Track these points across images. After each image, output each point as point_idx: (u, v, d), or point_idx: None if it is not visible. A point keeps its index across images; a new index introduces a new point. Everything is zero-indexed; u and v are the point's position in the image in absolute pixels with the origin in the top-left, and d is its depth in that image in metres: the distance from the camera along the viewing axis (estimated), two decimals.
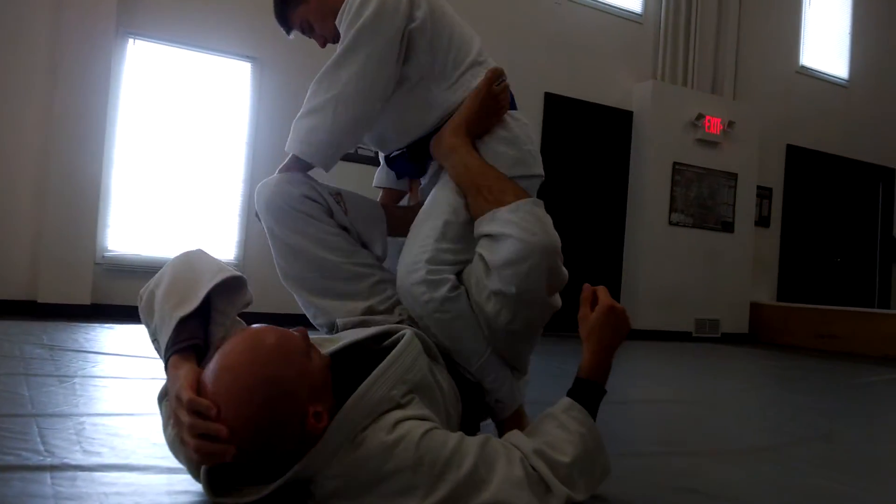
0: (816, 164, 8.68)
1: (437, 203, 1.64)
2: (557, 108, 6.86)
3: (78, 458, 1.47)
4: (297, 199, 1.61)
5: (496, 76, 1.69)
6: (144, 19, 5.12)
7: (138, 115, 5.15)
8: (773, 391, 3.96)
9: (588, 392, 1.35)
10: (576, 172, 6.98)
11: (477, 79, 1.73)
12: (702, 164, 7.33)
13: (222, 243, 5.39)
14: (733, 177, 7.54)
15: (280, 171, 1.68)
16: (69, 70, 4.78)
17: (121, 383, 2.49)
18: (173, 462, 1.31)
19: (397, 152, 1.83)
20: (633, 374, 4.39)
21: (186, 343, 1.18)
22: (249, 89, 5.50)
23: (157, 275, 1.35)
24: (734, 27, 7.75)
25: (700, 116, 7.22)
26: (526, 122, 1.77)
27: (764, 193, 8.12)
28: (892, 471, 2.14)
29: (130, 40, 5.11)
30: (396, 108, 1.74)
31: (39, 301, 4.69)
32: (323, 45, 1.90)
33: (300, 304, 1.71)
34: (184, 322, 1.20)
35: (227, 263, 4.64)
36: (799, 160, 8.50)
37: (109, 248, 5.03)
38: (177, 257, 1.36)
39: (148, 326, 1.33)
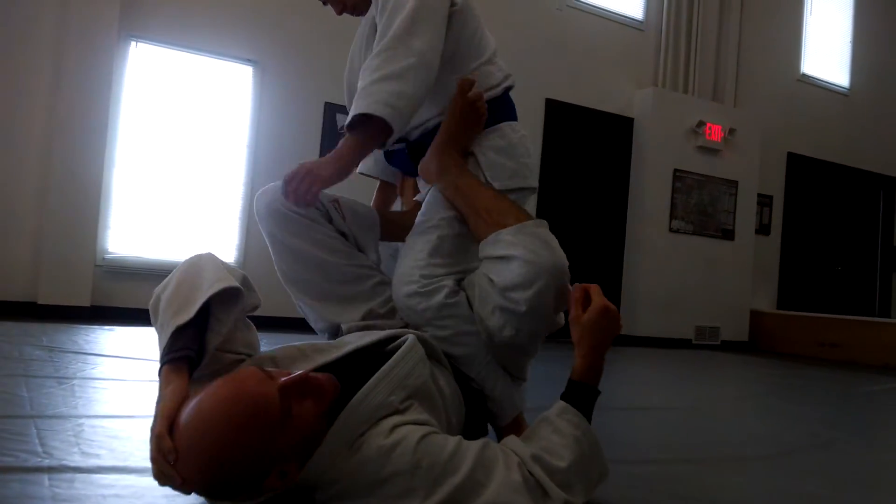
0: (817, 172, 8.68)
1: (431, 215, 1.64)
2: (558, 115, 6.87)
3: (76, 459, 1.47)
4: (297, 204, 1.61)
5: (468, 85, 1.67)
6: (147, 22, 5.13)
7: (140, 117, 5.16)
8: (773, 399, 3.95)
9: (582, 394, 1.34)
10: (576, 179, 6.99)
11: (489, 76, 1.73)
12: (702, 171, 7.33)
13: (223, 246, 5.39)
14: (734, 184, 7.54)
15: (352, 142, 1.56)
16: (72, 72, 4.79)
17: (120, 385, 2.49)
18: None
19: (397, 147, 1.83)
20: (632, 380, 4.39)
21: (179, 354, 1.18)
22: (251, 92, 5.51)
23: (168, 277, 1.35)
24: (735, 34, 7.76)
25: (701, 123, 7.23)
26: (524, 134, 1.77)
27: (764, 201, 8.12)
28: (892, 480, 2.13)
29: (133, 43, 5.12)
30: None
31: (40, 302, 4.69)
32: (340, 12, 1.81)
33: (301, 309, 1.72)
34: (180, 331, 1.20)
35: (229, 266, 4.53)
36: (800, 168, 8.51)
37: (110, 250, 5.03)
38: (186, 261, 1.36)
39: (154, 325, 1.34)
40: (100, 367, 2.80)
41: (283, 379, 1.08)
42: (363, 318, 1.61)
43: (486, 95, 1.70)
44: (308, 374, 1.12)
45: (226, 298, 1.27)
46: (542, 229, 1.50)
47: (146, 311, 1.38)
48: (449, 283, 1.55)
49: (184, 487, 1.07)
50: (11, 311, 4.65)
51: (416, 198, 1.88)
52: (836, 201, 8.94)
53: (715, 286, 7.38)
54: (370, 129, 1.53)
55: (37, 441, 1.57)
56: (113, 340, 3.71)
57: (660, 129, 7.12)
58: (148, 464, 1.43)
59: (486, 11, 1.85)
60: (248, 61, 5.49)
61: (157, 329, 1.29)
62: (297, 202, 1.54)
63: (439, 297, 1.52)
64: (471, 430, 1.54)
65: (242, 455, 1.03)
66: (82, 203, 4.81)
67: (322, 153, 5.64)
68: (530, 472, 1.18)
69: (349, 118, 1.53)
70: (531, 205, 6.44)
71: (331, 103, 5.67)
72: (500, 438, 1.59)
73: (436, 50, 1.57)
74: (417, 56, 1.51)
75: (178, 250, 5.20)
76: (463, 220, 1.60)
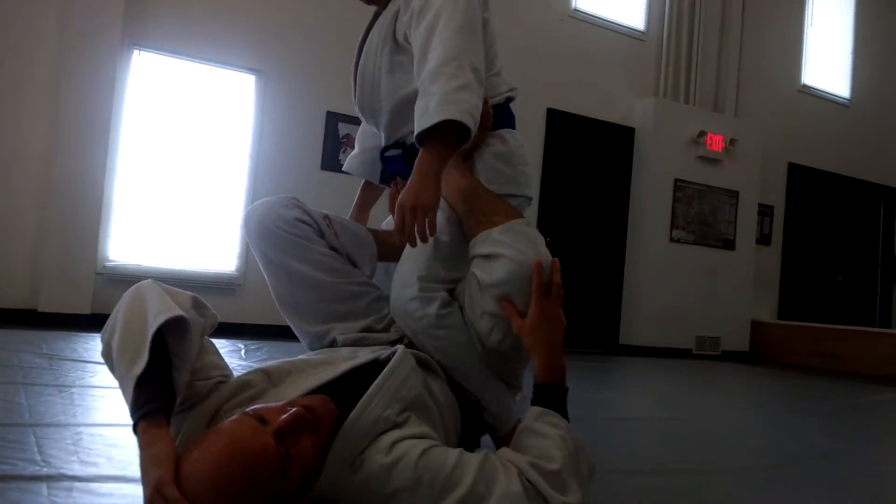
0: (818, 183, 8.69)
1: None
2: (560, 124, 6.88)
3: (75, 468, 1.47)
4: (290, 223, 1.59)
5: None
6: (150, 31, 5.15)
7: (142, 125, 5.18)
8: (774, 410, 3.94)
9: (551, 395, 1.35)
10: (577, 188, 6.99)
11: (495, 87, 1.73)
12: (703, 181, 7.34)
13: (223, 255, 5.39)
14: (735, 194, 7.55)
15: (433, 153, 1.44)
16: (74, 80, 4.81)
17: (119, 394, 2.47)
18: None
19: (395, 152, 1.82)
20: (633, 390, 4.38)
21: (150, 408, 1.09)
22: (253, 101, 5.53)
23: (110, 318, 1.27)
24: (736, 45, 7.79)
25: (702, 134, 7.24)
26: (523, 144, 1.76)
27: (765, 211, 8.12)
28: (893, 491, 2.12)
29: (136, 51, 5.14)
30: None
31: (39, 310, 4.69)
32: None
33: (296, 332, 1.70)
34: (142, 380, 1.11)
35: (226, 276, 4.57)
36: (800, 178, 8.52)
37: (111, 257, 5.03)
38: (126, 297, 1.28)
39: (113, 375, 1.24)
40: (99, 376, 2.80)
41: (277, 423, 1.03)
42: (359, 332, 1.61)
43: (491, 102, 1.70)
44: (302, 411, 1.07)
45: (176, 329, 1.18)
46: (530, 228, 1.51)
47: None
48: (443, 294, 1.55)
49: None
50: (11, 318, 4.65)
51: None
52: (837, 212, 8.95)
53: (716, 296, 7.37)
54: (451, 136, 1.42)
55: (35, 449, 1.57)
56: None
57: (661, 139, 7.13)
58: None
59: None
60: (250, 70, 5.51)
61: (117, 380, 1.20)
62: (421, 240, 1.44)
63: (434, 307, 1.52)
64: (468, 440, 1.53)
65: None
66: (83, 211, 4.82)
67: (323, 162, 5.66)
68: (529, 481, 1.18)
69: (435, 121, 1.39)
70: (530, 213, 6.48)
71: (332, 112, 5.68)
72: (498, 448, 1.58)
73: (484, 66, 1.54)
74: (475, 73, 1.47)
75: (178, 258, 5.20)
76: (460, 225, 1.60)
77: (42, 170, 4.80)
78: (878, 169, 9.18)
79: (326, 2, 5.64)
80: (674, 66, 7.41)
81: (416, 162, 1.44)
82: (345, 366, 1.33)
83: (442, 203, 1.62)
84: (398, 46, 1.66)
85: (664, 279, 7.07)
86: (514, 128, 1.76)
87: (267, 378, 1.28)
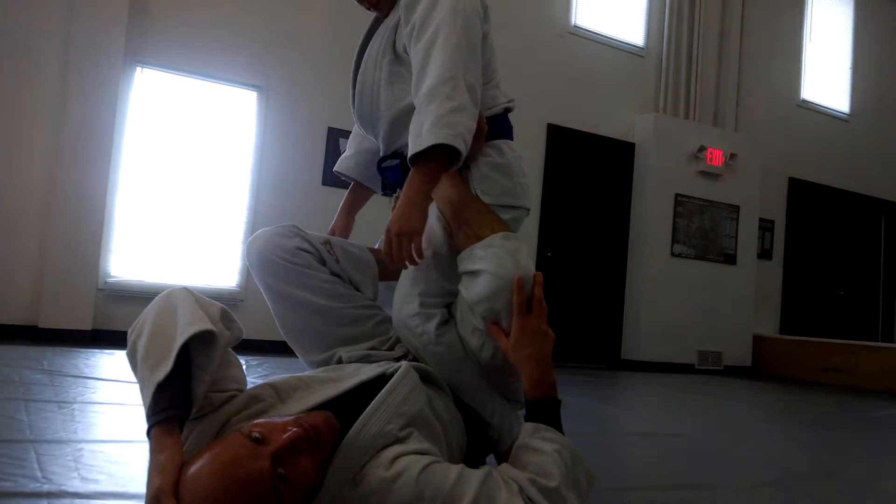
0: (818, 197, 8.71)
1: (427, 236, 1.63)
2: (560, 140, 6.90)
3: (76, 485, 1.46)
4: (291, 252, 1.60)
5: None
6: (152, 48, 5.18)
7: (144, 141, 5.20)
8: (777, 425, 3.93)
9: (543, 409, 1.34)
10: (578, 203, 7.01)
11: (493, 99, 1.73)
12: (704, 195, 7.35)
13: (224, 271, 5.40)
14: (735, 209, 7.56)
15: (420, 178, 1.48)
16: (77, 97, 4.83)
17: (120, 410, 2.48)
18: None
19: (392, 163, 1.82)
20: (635, 406, 4.37)
21: (167, 414, 1.12)
22: (255, 117, 5.55)
23: (140, 318, 1.28)
24: (735, 60, 7.83)
25: (702, 148, 7.26)
26: (520, 155, 1.75)
27: (766, 226, 8.13)
28: None
29: (138, 68, 5.17)
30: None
31: (41, 326, 4.69)
32: (360, 1, 1.74)
33: (303, 361, 1.70)
34: (163, 386, 1.13)
35: (227, 292, 4.57)
36: (801, 193, 8.53)
37: (112, 273, 5.04)
38: (157, 301, 1.29)
39: (135, 375, 1.26)
40: (100, 392, 2.79)
41: (275, 445, 1.03)
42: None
43: (487, 113, 1.69)
44: (302, 432, 1.07)
45: (203, 340, 1.20)
46: (510, 241, 1.49)
47: None
48: (441, 311, 1.55)
49: None
50: (12, 334, 4.64)
51: None
52: (838, 226, 8.96)
53: (717, 311, 7.37)
54: (440, 160, 1.46)
55: (36, 466, 1.57)
56: (114, 364, 3.70)
57: (661, 154, 7.15)
58: None
59: None
60: (252, 87, 5.54)
61: (137, 381, 1.22)
62: (410, 264, 1.50)
63: (433, 323, 1.53)
64: (473, 457, 1.53)
65: None
66: (85, 227, 4.83)
67: (325, 177, 5.67)
68: (530, 498, 1.17)
69: (428, 144, 1.42)
70: (530, 228, 6.49)
71: (333, 128, 5.71)
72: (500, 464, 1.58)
73: (480, 84, 1.56)
74: (470, 92, 1.49)
75: (180, 274, 5.20)
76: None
77: (45, 186, 4.82)
78: (878, 183, 9.20)
79: (327, 18, 5.67)
80: (673, 81, 7.45)
81: (406, 185, 1.49)
82: (351, 381, 1.33)
83: (440, 215, 1.63)
84: (398, 57, 1.66)
85: (665, 294, 7.07)
86: (511, 139, 1.75)
87: (275, 393, 1.28)
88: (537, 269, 1.47)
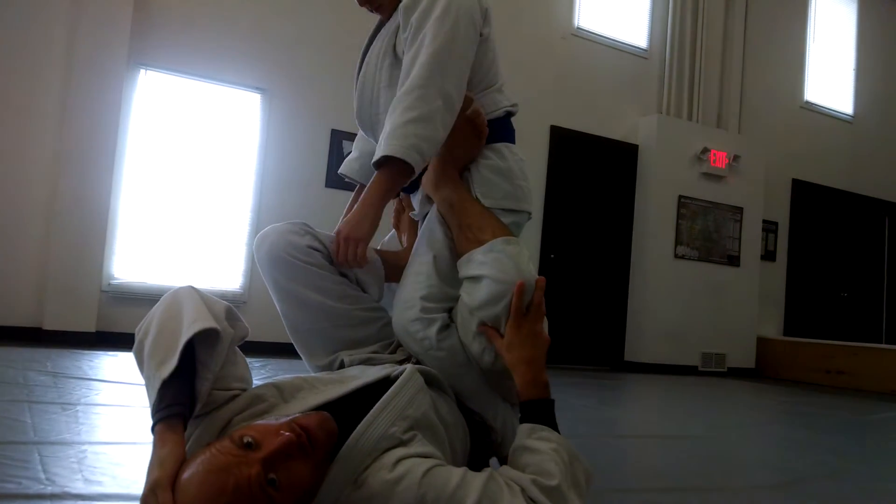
0: (822, 199, 8.69)
1: (428, 239, 1.63)
2: (563, 142, 6.90)
3: (79, 486, 1.46)
4: (302, 251, 1.59)
5: (466, 103, 1.63)
6: (156, 50, 5.20)
7: (147, 143, 5.21)
8: (780, 427, 3.92)
9: (537, 410, 1.35)
10: (581, 205, 7.00)
11: (495, 103, 1.73)
12: (707, 197, 7.34)
13: (228, 272, 5.41)
14: (739, 210, 7.55)
15: (377, 187, 1.54)
16: (81, 99, 4.85)
17: (124, 412, 2.48)
18: None
19: None
20: (638, 408, 4.36)
21: (171, 412, 1.13)
22: (258, 119, 5.56)
23: (147, 316, 1.30)
24: (739, 62, 7.82)
25: (705, 150, 7.25)
26: (522, 158, 1.74)
27: (770, 227, 8.12)
28: None
29: (142, 70, 5.18)
30: None
31: (45, 328, 4.70)
32: (362, 3, 1.73)
33: (307, 364, 1.70)
34: (168, 382, 1.15)
35: (231, 294, 4.58)
36: (804, 194, 8.52)
37: (116, 275, 5.05)
38: (164, 299, 1.30)
39: (141, 373, 1.28)
40: (104, 394, 2.80)
41: (265, 452, 1.03)
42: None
43: (488, 116, 1.68)
44: (293, 437, 1.06)
45: (207, 338, 1.21)
46: (511, 246, 1.49)
47: None
48: (442, 316, 1.54)
49: None
50: (17, 336, 4.65)
51: (411, 214, 1.86)
52: (842, 228, 8.94)
53: (721, 313, 7.36)
54: (395, 170, 1.51)
55: (40, 468, 1.57)
56: (117, 366, 3.71)
57: (664, 155, 7.15)
58: None
59: None
60: (255, 89, 5.55)
61: (143, 378, 1.24)
62: (353, 268, 1.59)
63: (434, 329, 1.52)
64: (476, 461, 1.53)
65: None
66: (89, 229, 4.84)
67: (328, 179, 5.68)
68: (532, 499, 1.17)
69: (379, 155, 1.49)
70: (533, 230, 6.49)
71: (337, 130, 5.72)
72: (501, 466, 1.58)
73: (461, 91, 1.56)
74: (444, 99, 1.49)
75: (183, 276, 5.21)
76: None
77: (48, 188, 4.83)
78: (882, 185, 9.18)
79: (331, 20, 5.68)
80: (676, 83, 7.44)
81: (364, 192, 1.55)
82: (355, 383, 1.33)
83: (441, 218, 1.63)
84: (398, 60, 1.66)
85: (669, 296, 7.06)
86: (513, 142, 1.75)
87: (278, 393, 1.28)
88: (540, 270, 1.48)
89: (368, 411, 1.20)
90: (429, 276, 1.56)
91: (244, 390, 1.28)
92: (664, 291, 7.05)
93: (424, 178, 1.70)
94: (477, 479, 1.16)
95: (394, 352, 1.64)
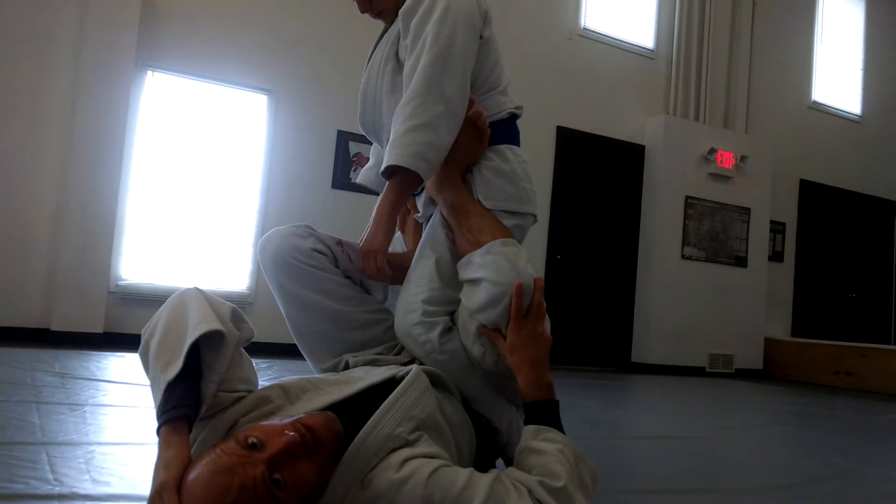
0: (830, 199, 8.66)
1: (431, 242, 1.63)
2: (570, 142, 6.90)
3: (87, 487, 1.47)
4: (306, 254, 1.60)
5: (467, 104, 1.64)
6: (163, 52, 5.21)
7: (155, 145, 5.22)
8: (788, 428, 3.90)
9: (542, 411, 1.35)
10: (588, 206, 6.99)
11: (499, 105, 1.73)
12: (714, 198, 7.32)
13: (235, 273, 5.42)
14: (746, 211, 7.53)
15: (387, 198, 1.57)
16: (89, 100, 4.87)
17: (131, 412, 2.49)
18: None
19: None
20: (646, 409, 4.35)
21: (176, 413, 1.13)
22: (265, 121, 5.57)
23: (153, 318, 1.30)
24: (746, 62, 7.80)
25: (712, 151, 7.23)
26: (526, 160, 1.73)
27: (777, 228, 8.09)
28: None
29: (149, 72, 5.20)
30: None
31: (53, 329, 4.72)
32: (363, 10, 1.75)
33: (311, 366, 1.71)
34: (173, 385, 1.15)
35: (237, 295, 4.59)
36: (812, 195, 8.49)
37: (123, 276, 5.06)
38: (171, 301, 1.31)
39: (147, 374, 1.28)
40: (111, 394, 2.81)
41: (270, 452, 1.03)
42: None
43: (492, 118, 1.68)
44: (297, 437, 1.07)
45: (212, 341, 1.22)
46: (509, 248, 1.48)
47: None
48: (444, 319, 1.54)
49: None
50: (25, 337, 4.67)
51: (415, 216, 1.87)
52: (850, 228, 8.90)
53: (728, 313, 7.33)
54: (403, 179, 1.54)
55: (47, 468, 1.57)
56: (125, 367, 3.72)
57: (671, 156, 7.13)
58: None
59: (497, 40, 1.86)
60: (261, 90, 5.56)
61: (149, 379, 1.24)
62: (378, 280, 1.65)
63: (436, 332, 1.52)
64: (482, 461, 1.53)
65: None
66: (96, 230, 4.86)
67: (335, 180, 5.69)
68: (539, 500, 1.17)
69: (384, 166, 1.52)
70: (540, 231, 6.48)
71: (343, 131, 5.72)
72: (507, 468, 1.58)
73: (464, 94, 1.56)
74: (446, 104, 1.50)
75: (190, 277, 5.23)
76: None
77: (56, 189, 4.85)
78: (890, 185, 9.14)
79: (336, 21, 5.69)
80: (683, 83, 7.42)
81: (376, 204, 1.58)
82: (361, 384, 1.33)
83: (443, 220, 1.63)
84: (400, 66, 1.66)
85: (676, 296, 7.04)
86: (517, 144, 1.74)
87: (284, 394, 1.28)
88: (547, 271, 1.47)
89: (374, 412, 1.20)
90: (431, 279, 1.56)
91: (250, 392, 1.29)
92: (671, 292, 7.03)
93: (428, 182, 1.70)
94: (483, 480, 1.16)
95: (398, 353, 1.64)
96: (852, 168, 8.80)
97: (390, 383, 1.33)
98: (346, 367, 1.61)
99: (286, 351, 4.22)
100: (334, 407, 1.24)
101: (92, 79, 4.88)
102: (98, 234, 4.86)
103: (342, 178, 5.73)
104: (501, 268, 1.43)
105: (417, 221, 1.85)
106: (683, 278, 7.10)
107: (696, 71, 7.50)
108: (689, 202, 7.18)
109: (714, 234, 7.31)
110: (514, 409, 1.60)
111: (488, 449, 1.59)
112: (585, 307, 6.86)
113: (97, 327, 4.82)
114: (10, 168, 4.78)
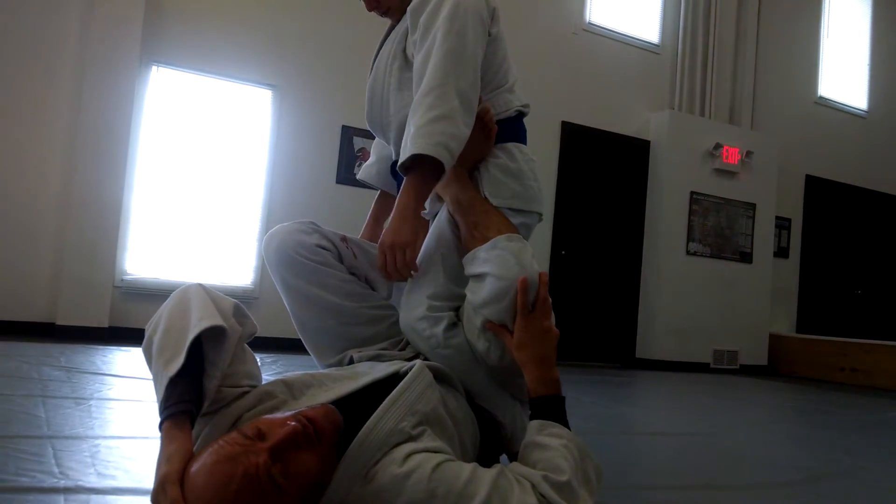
0: (836, 195, 8.63)
1: (437, 238, 1.63)
2: (575, 137, 6.88)
3: (92, 480, 1.47)
4: (310, 250, 1.60)
5: None
6: (168, 47, 5.22)
7: (160, 140, 5.23)
8: (793, 425, 3.90)
9: (547, 407, 1.35)
10: (593, 201, 6.98)
11: (507, 103, 1.72)
12: (719, 193, 7.31)
13: (240, 268, 5.43)
14: (751, 207, 7.51)
15: (408, 191, 1.51)
16: (94, 96, 4.87)
17: (137, 406, 2.50)
18: None
19: None
20: (650, 405, 4.35)
21: (178, 409, 1.14)
22: (269, 116, 5.57)
23: (157, 313, 1.30)
24: (752, 57, 7.77)
25: (718, 146, 7.21)
26: (533, 159, 1.72)
27: (782, 224, 8.07)
28: None
29: (154, 67, 5.20)
30: None
31: (58, 323, 4.73)
32: (370, 9, 1.74)
33: (315, 362, 1.70)
34: (175, 381, 1.16)
35: (241, 290, 4.60)
36: (818, 190, 8.46)
37: (128, 271, 5.07)
38: (174, 297, 1.31)
39: (150, 370, 1.28)
40: (117, 388, 2.82)
41: (273, 441, 1.04)
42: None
43: (499, 116, 1.68)
44: (299, 427, 1.07)
45: (214, 336, 1.22)
46: (514, 243, 1.48)
47: None
48: (449, 314, 1.54)
49: None
50: (30, 331, 4.69)
51: (422, 213, 1.87)
52: (856, 224, 8.87)
53: (733, 309, 7.32)
54: (426, 170, 1.47)
55: (53, 461, 1.58)
56: (130, 361, 3.73)
57: (676, 151, 7.11)
58: None
59: None
60: (266, 85, 5.56)
61: (151, 374, 1.25)
62: (402, 278, 1.54)
63: (441, 327, 1.52)
64: (485, 456, 1.53)
65: None
66: (102, 225, 4.87)
67: (339, 175, 5.69)
68: (542, 495, 1.17)
69: (407, 155, 1.45)
70: (545, 227, 6.47)
71: (348, 126, 5.72)
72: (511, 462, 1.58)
73: (476, 90, 1.54)
74: (461, 98, 1.48)
75: (195, 272, 5.24)
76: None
77: (62, 184, 4.86)
78: None
79: (341, 17, 5.68)
80: (689, 78, 7.40)
81: (398, 197, 1.51)
82: (364, 379, 1.33)
83: (450, 217, 1.63)
84: (407, 63, 1.65)
85: (681, 292, 7.03)
86: (525, 142, 1.74)
87: (288, 390, 1.28)
88: (551, 267, 1.47)
89: (378, 407, 1.20)
90: (436, 274, 1.56)
91: (253, 387, 1.29)
92: (676, 288, 7.02)
93: None
94: (487, 475, 1.16)
95: (403, 349, 1.64)
96: (858, 163, 8.76)
97: (394, 378, 1.33)
98: (351, 362, 1.61)
99: (291, 346, 4.22)
100: (338, 402, 1.24)
101: (97, 75, 4.89)
102: (103, 229, 4.88)
103: (346, 173, 5.73)
104: (506, 262, 1.43)
105: (424, 218, 1.85)
106: (688, 274, 7.09)
107: (702, 66, 7.47)
108: (695, 198, 7.16)
109: (719, 229, 7.29)
110: (519, 405, 1.60)
111: (492, 444, 1.59)
112: (590, 303, 6.85)
113: (102, 322, 4.84)
114: (16, 163, 4.79)
